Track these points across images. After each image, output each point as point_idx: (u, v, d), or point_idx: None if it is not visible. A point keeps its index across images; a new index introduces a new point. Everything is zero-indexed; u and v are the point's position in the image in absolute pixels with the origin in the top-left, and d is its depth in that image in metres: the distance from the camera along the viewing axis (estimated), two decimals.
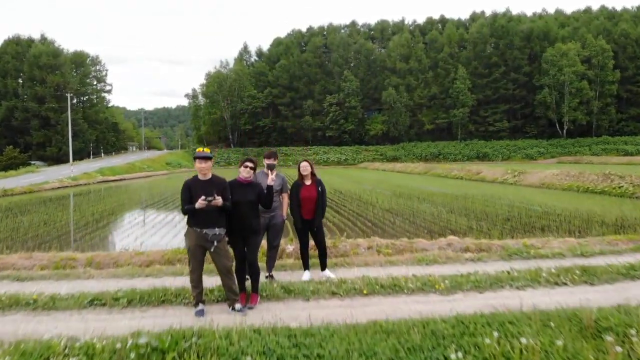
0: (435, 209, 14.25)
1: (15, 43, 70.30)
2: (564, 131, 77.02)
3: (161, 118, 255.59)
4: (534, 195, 19.27)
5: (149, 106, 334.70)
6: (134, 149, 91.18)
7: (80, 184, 28.76)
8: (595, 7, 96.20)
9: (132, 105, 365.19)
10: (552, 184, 23.30)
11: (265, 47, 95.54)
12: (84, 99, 74.39)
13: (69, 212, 14.79)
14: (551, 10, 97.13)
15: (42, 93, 64.61)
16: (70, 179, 32.29)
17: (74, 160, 57.81)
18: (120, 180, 35.14)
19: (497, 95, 79.34)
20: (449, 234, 9.62)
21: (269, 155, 5.90)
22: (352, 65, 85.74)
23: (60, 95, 62.33)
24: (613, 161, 58.56)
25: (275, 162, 5.81)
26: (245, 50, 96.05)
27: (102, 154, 68.45)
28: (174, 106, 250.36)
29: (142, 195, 21.55)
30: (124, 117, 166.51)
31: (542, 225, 11.02)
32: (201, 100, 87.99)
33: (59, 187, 25.56)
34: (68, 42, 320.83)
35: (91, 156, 64.18)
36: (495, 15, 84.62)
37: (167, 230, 11.48)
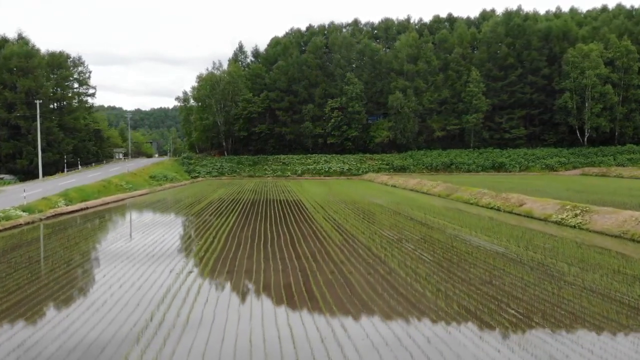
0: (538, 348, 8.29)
1: None
2: (585, 139, 71.45)
3: (157, 119, 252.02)
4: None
5: (146, 106, 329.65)
6: (120, 157, 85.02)
7: (20, 225, 22.69)
8: (611, 5, 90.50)
9: (129, 106, 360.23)
10: (639, 234, 17.31)
11: (262, 47, 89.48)
12: (63, 103, 68.00)
13: None
14: (565, 9, 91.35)
15: (12, 99, 58.37)
16: (20, 209, 26.29)
17: (44, 175, 51.74)
18: (82, 210, 29.05)
19: (513, 99, 73.66)
20: None
21: None
22: (355, 67, 79.95)
23: (32, 102, 56.23)
24: None
25: None
26: (240, 50, 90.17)
27: (80, 166, 62.01)
28: (170, 106, 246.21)
29: (86, 261, 15.65)
30: (117, 119, 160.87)
31: None
32: (193, 103, 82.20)
33: None
34: (66, 42, 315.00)
35: (65, 169, 57.91)
36: (509, 14, 78.64)
37: None
